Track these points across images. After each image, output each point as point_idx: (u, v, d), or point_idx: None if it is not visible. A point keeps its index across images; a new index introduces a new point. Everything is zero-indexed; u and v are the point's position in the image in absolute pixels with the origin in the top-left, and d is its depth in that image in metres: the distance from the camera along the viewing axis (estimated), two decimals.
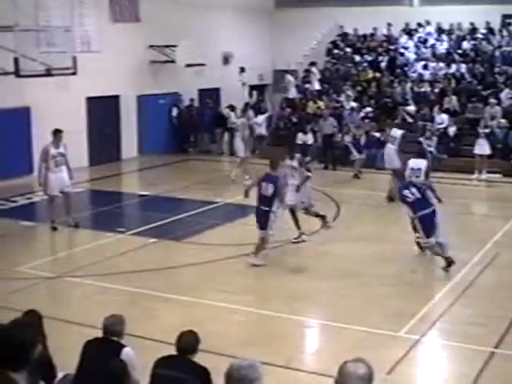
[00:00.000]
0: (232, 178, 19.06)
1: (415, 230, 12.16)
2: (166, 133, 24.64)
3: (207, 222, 14.94)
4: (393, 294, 10.68)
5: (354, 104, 23.42)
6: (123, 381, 5.87)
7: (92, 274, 11.47)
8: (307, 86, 25.92)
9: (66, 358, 6.45)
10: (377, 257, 12.48)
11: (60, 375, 6.15)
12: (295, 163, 13.18)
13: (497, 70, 24.23)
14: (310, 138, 21.69)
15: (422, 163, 13.28)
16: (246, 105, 23.43)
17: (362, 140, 20.98)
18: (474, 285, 11.00)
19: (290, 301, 10.34)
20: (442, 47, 26.26)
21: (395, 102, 23.60)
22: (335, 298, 10.47)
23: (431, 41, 26.71)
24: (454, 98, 22.88)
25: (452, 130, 21.56)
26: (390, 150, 17.42)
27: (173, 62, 23.19)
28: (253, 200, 12.44)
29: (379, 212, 16.11)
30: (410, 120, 22.61)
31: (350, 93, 24.12)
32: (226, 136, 24.51)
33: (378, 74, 25.66)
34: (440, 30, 26.93)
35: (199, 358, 5.86)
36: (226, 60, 27.22)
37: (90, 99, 21.53)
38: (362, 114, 22.86)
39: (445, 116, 21.90)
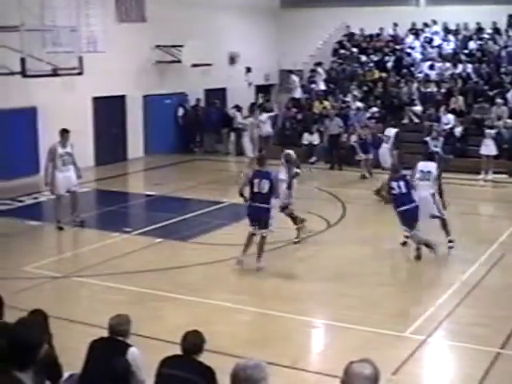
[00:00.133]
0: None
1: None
2: (172, 133, 24.64)
3: (213, 222, 14.95)
4: (398, 294, 10.68)
5: (360, 104, 23.40)
6: (129, 380, 5.87)
7: (98, 273, 11.48)
8: (313, 86, 25.92)
9: (72, 357, 6.45)
10: (382, 257, 12.49)
11: (66, 375, 6.15)
12: (282, 159, 13.15)
13: (503, 70, 24.17)
14: (315, 138, 21.70)
15: (431, 166, 13.15)
16: (253, 104, 23.42)
17: (369, 140, 20.93)
18: (480, 285, 10.97)
19: (295, 301, 10.34)
20: (449, 47, 26.21)
21: (401, 102, 23.56)
22: (340, 298, 10.45)
23: (437, 41, 26.67)
24: (460, 98, 22.81)
25: (458, 131, 21.46)
26: (385, 149, 17.37)
27: (179, 62, 23.22)
28: None
29: (385, 212, 16.02)
30: (416, 120, 22.58)
31: (356, 93, 24.12)
32: (232, 136, 24.52)
33: (384, 74, 25.61)
34: (446, 30, 26.90)
35: (205, 358, 5.86)
36: (232, 60, 27.24)
37: (96, 99, 21.56)
38: (368, 114, 22.80)
39: (451, 116, 21.80)
